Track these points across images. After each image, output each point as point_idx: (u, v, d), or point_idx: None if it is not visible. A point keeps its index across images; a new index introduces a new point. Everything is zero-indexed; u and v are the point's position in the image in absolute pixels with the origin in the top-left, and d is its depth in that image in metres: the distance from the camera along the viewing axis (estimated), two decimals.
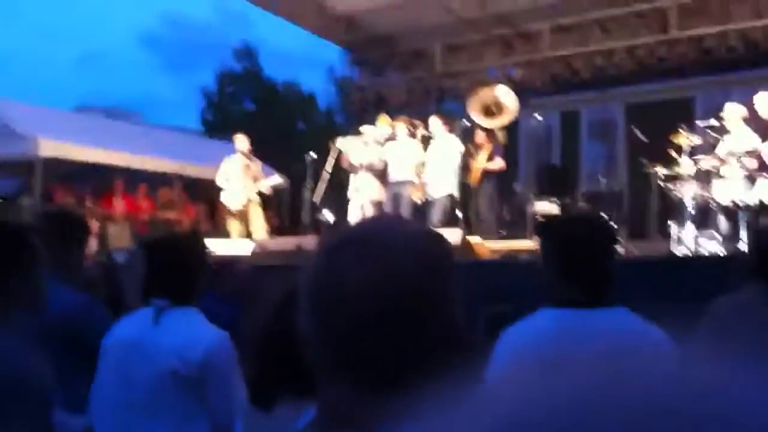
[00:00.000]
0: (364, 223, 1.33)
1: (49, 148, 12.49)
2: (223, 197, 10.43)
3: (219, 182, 10.41)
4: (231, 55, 36.21)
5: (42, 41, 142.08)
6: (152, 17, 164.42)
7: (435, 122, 9.70)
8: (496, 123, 9.94)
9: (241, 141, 10.50)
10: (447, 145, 9.54)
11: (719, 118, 8.50)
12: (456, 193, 9.52)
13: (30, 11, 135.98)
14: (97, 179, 14.26)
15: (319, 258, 1.05)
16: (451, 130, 9.80)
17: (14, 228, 2.33)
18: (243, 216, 10.25)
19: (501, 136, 10.21)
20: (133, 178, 13.74)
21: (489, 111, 9.93)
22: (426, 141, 9.89)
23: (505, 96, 10.04)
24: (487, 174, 9.80)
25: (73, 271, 3.45)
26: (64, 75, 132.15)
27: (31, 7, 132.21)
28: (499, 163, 9.90)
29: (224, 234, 10.34)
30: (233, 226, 10.36)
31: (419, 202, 9.54)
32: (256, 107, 35.20)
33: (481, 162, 9.79)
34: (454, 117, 10.91)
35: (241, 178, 10.22)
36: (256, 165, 10.50)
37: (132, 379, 2.69)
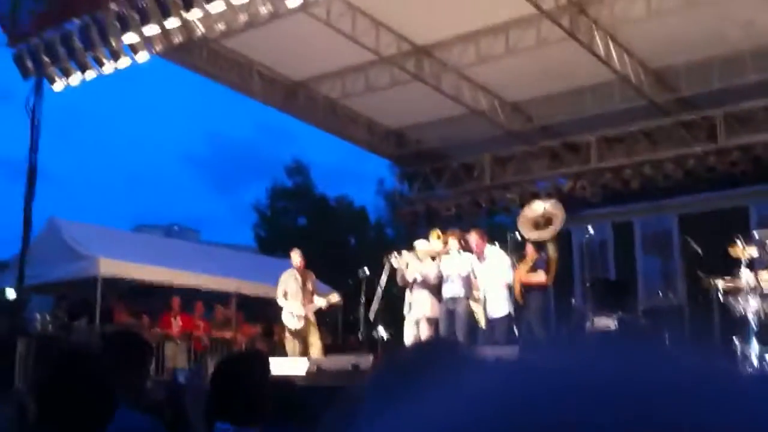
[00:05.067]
0: None
1: (109, 266, 12.80)
2: (283, 316, 10.47)
3: (279, 301, 10.49)
4: (282, 171, 37.10)
5: (92, 162, 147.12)
6: (194, 137, 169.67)
7: (472, 239, 9.66)
8: (543, 235, 9.94)
9: (296, 256, 10.66)
10: (496, 261, 9.51)
11: None
12: (512, 310, 9.43)
13: (76, 132, 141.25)
14: (155, 297, 14.51)
15: None
16: (492, 243, 9.81)
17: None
18: (301, 334, 10.28)
19: (552, 249, 10.02)
20: (189, 295, 13.93)
21: (538, 224, 9.95)
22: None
23: (553, 207, 10.09)
24: (532, 287, 9.66)
25: (137, 393, 3.48)
26: (118, 194, 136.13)
27: (76, 128, 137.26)
28: (539, 276, 9.68)
29: (281, 353, 10.32)
30: (290, 344, 10.38)
31: (482, 324, 9.43)
32: (308, 222, 35.62)
33: (521, 274, 9.71)
34: (504, 230, 10.94)
35: (299, 294, 10.31)
36: (311, 279, 10.61)
37: None
